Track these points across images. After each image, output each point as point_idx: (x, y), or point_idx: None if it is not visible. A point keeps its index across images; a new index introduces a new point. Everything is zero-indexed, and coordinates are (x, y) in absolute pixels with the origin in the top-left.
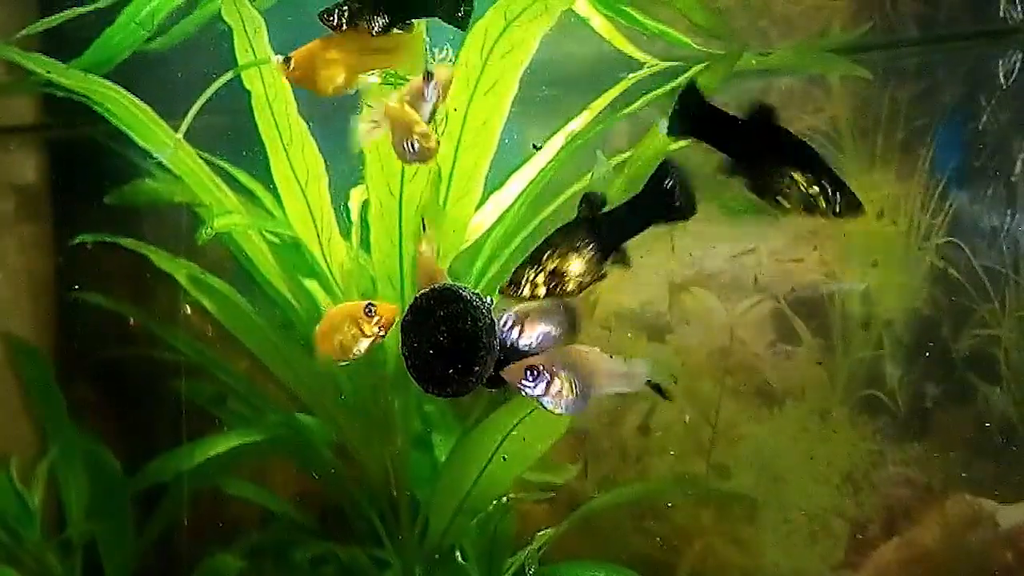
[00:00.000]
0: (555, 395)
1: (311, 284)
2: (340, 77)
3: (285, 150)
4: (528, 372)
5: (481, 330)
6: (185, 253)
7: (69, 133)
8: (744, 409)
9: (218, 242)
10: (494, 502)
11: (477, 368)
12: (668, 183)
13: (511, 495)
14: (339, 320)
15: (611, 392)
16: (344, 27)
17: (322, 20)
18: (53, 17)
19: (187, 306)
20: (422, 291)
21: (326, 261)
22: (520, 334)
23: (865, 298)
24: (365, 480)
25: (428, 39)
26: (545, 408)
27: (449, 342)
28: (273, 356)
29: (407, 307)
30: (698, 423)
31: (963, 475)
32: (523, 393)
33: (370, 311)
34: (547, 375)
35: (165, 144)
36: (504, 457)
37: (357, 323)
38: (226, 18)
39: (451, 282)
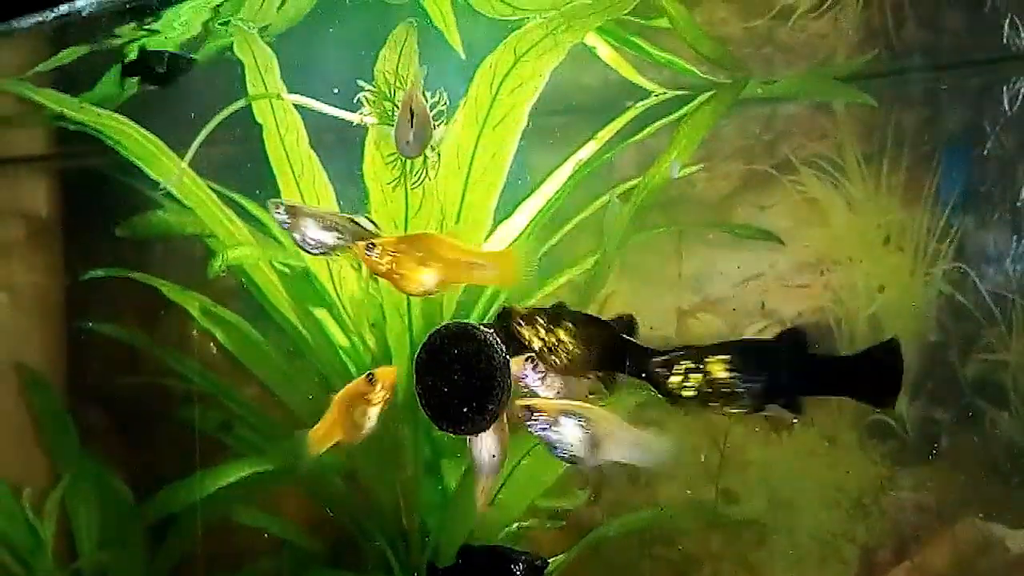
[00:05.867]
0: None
1: (321, 313)
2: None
3: (296, 181)
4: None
5: (496, 368)
6: (197, 280)
7: (80, 163)
8: (752, 434)
9: (229, 272)
10: (505, 529)
11: (492, 406)
12: None
13: (522, 522)
14: (345, 405)
15: (620, 460)
16: None
17: None
18: (64, 53)
19: (197, 333)
20: (435, 329)
21: (336, 291)
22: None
23: (872, 323)
24: (376, 507)
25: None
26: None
27: (464, 381)
28: (284, 385)
29: (421, 346)
30: (708, 449)
31: (973, 500)
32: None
33: (371, 379)
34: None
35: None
36: None
37: (363, 398)
38: (238, 54)
39: (464, 320)
